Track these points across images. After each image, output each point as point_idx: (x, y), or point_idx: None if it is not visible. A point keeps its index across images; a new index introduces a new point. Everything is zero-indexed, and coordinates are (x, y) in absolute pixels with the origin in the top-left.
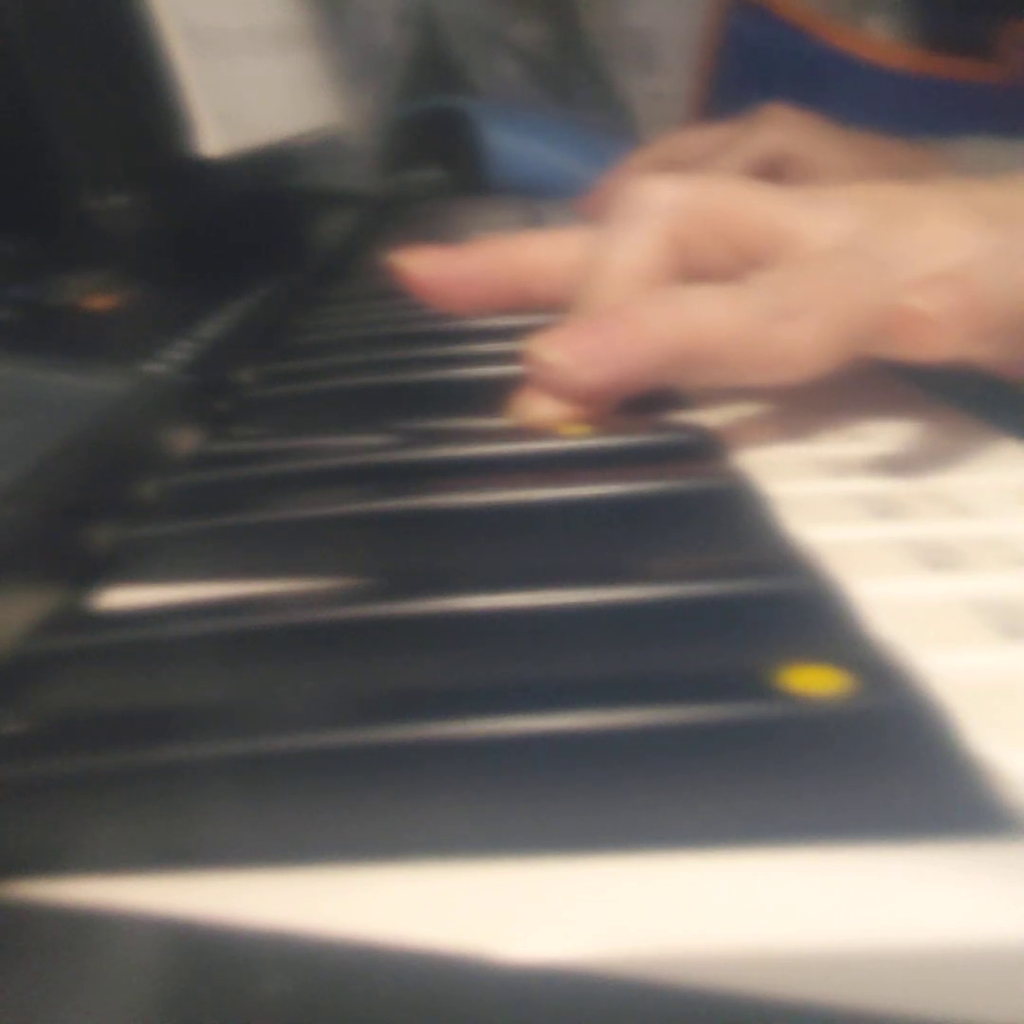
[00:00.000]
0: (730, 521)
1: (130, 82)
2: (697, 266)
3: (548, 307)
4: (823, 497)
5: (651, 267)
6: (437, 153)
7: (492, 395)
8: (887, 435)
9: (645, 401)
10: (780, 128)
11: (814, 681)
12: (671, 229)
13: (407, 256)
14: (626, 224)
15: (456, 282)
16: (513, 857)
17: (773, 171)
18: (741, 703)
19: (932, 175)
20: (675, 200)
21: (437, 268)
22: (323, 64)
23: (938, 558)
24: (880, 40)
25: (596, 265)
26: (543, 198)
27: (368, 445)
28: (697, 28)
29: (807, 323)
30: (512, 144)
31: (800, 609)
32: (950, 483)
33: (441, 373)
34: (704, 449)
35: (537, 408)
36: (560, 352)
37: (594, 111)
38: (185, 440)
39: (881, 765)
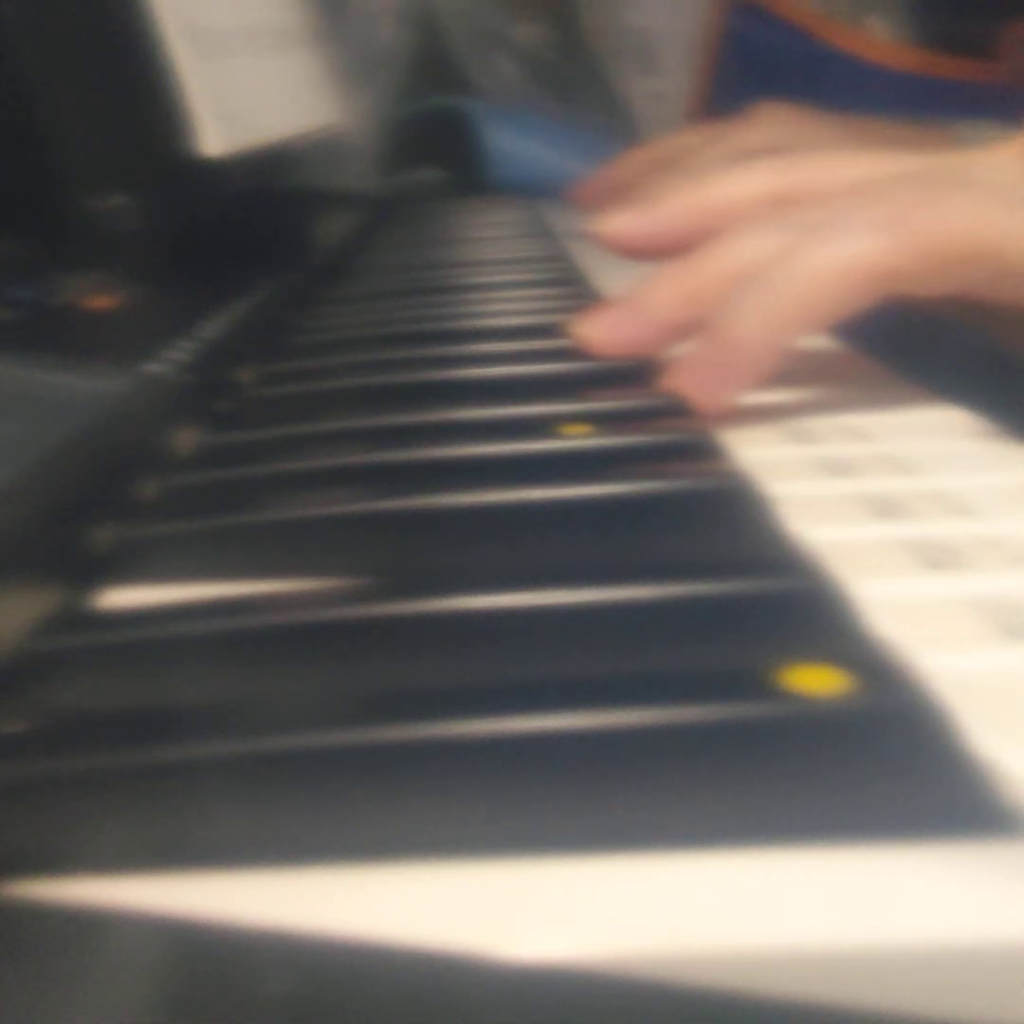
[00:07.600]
0: (730, 521)
1: (130, 82)
2: None
3: None
4: (823, 497)
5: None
6: (437, 153)
7: (492, 395)
8: (888, 434)
9: (645, 403)
10: (770, 123)
11: (815, 681)
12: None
13: (602, 220)
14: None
15: (656, 237)
16: (513, 857)
17: None
18: (742, 703)
19: (934, 152)
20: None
21: (637, 228)
22: (323, 64)
23: (939, 558)
24: (880, 40)
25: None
26: (543, 198)
27: (367, 446)
28: (697, 28)
29: None
30: (512, 144)
31: (801, 609)
32: (950, 483)
33: (441, 373)
34: (704, 449)
35: None
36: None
37: (594, 111)
38: (185, 440)
39: (881, 765)
